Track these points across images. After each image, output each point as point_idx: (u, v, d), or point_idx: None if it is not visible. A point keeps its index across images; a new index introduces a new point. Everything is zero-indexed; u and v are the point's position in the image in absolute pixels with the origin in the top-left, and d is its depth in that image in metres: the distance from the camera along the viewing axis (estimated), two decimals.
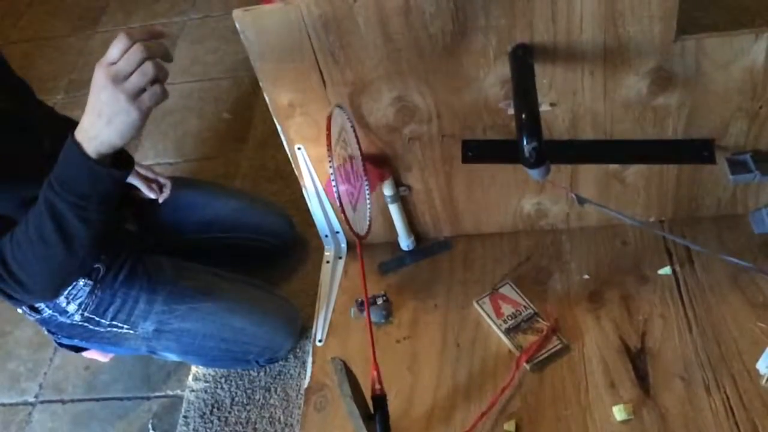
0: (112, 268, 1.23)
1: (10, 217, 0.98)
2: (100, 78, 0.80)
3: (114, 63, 0.79)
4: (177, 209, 1.40)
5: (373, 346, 1.02)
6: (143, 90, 0.80)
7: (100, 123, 0.82)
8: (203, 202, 1.42)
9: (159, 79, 0.81)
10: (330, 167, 1.01)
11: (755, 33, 0.99)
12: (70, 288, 1.19)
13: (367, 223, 1.20)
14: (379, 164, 1.23)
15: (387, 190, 1.25)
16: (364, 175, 1.18)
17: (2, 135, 1.04)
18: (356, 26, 1.03)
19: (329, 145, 1.02)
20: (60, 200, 0.88)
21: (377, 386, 1.00)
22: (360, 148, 1.17)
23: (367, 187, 1.19)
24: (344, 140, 1.11)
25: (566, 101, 1.10)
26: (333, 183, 1.03)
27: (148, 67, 0.79)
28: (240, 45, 1.09)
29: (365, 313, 1.25)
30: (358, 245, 1.12)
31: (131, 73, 0.79)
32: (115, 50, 0.79)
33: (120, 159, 0.90)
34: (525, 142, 0.92)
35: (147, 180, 1.31)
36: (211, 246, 1.13)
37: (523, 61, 1.00)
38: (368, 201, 1.19)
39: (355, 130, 1.15)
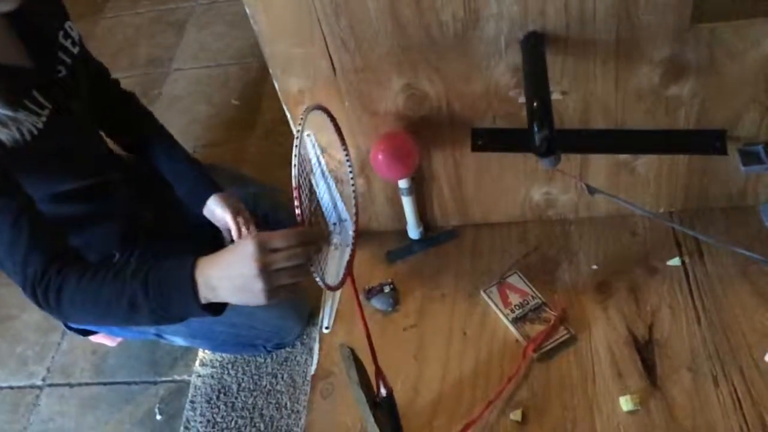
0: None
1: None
2: (251, 255, 0.80)
3: (275, 251, 0.80)
4: None
5: (374, 355, 1.00)
6: (283, 285, 0.82)
7: (227, 287, 0.83)
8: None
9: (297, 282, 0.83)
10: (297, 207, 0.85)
11: None
12: None
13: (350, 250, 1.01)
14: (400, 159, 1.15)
15: (402, 183, 1.24)
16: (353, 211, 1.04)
17: (64, 130, 1.06)
18: (367, 12, 1.02)
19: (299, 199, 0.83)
20: (146, 303, 0.89)
21: (383, 391, 0.99)
22: (347, 154, 1.03)
23: (352, 232, 1.05)
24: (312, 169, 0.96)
25: (578, 90, 1.09)
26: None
27: (299, 272, 0.81)
28: (248, 31, 1.09)
29: (372, 302, 1.25)
30: (352, 284, 0.98)
31: (283, 269, 0.80)
32: (281, 241, 0.80)
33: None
34: (536, 131, 0.91)
35: (235, 227, 1.23)
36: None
37: (535, 49, 0.99)
38: (353, 229, 1.05)
39: (342, 137, 1.01)
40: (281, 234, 0.81)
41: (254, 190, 1.43)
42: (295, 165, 0.83)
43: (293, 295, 0.84)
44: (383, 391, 0.98)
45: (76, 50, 1.10)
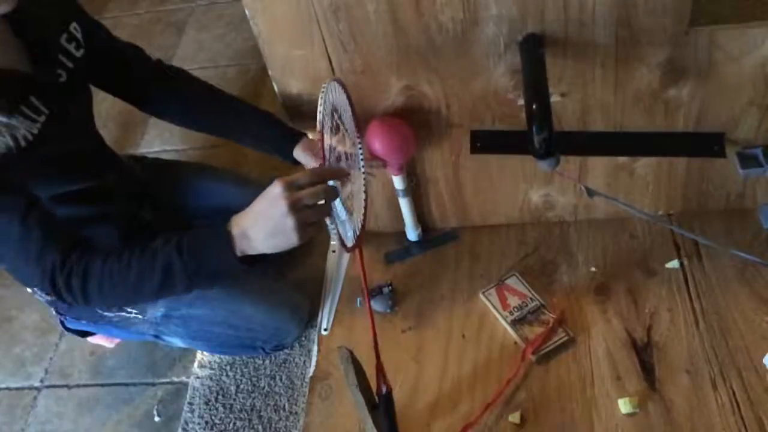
0: None
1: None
2: (279, 195, 0.84)
3: (300, 188, 0.84)
4: (191, 196, 1.40)
5: (378, 352, 1.00)
6: (311, 223, 0.86)
7: (261, 234, 0.87)
8: (217, 189, 1.42)
9: (324, 218, 0.87)
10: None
11: None
12: None
13: (361, 222, 1.06)
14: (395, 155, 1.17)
15: (398, 184, 1.24)
16: (361, 165, 1.08)
17: (60, 135, 1.06)
18: (366, 14, 1.02)
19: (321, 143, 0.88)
20: (181, 266, 0.91)
21: (383, 388, 0.99)
22: (359, 136, 1.08)
23: (364, 178, 1.08)
24: (337, 124, 1.00)
25: (577, 92, 1.09)
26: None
27: (326, 208, 0.86)
28: (247, 32, 1.09)
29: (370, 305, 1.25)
30: (359, 253, 1.02)
31: (310, 207, 0.85)
32: (305, 179, 0.85)
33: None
34: (535, 133, 0.91)
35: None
36: None
37: (534, 51, 0.99)
38: (363, 198, 1.07)
39: (355, 114, 1.06)
40: (305, 172, 0.86)
41: (254, 190, 1.43)
42: (320, 111, 0.88)
43: (319, 230, 0.89)
44: (384, 389, 0.98)
45: (79, 53, 1.08)
